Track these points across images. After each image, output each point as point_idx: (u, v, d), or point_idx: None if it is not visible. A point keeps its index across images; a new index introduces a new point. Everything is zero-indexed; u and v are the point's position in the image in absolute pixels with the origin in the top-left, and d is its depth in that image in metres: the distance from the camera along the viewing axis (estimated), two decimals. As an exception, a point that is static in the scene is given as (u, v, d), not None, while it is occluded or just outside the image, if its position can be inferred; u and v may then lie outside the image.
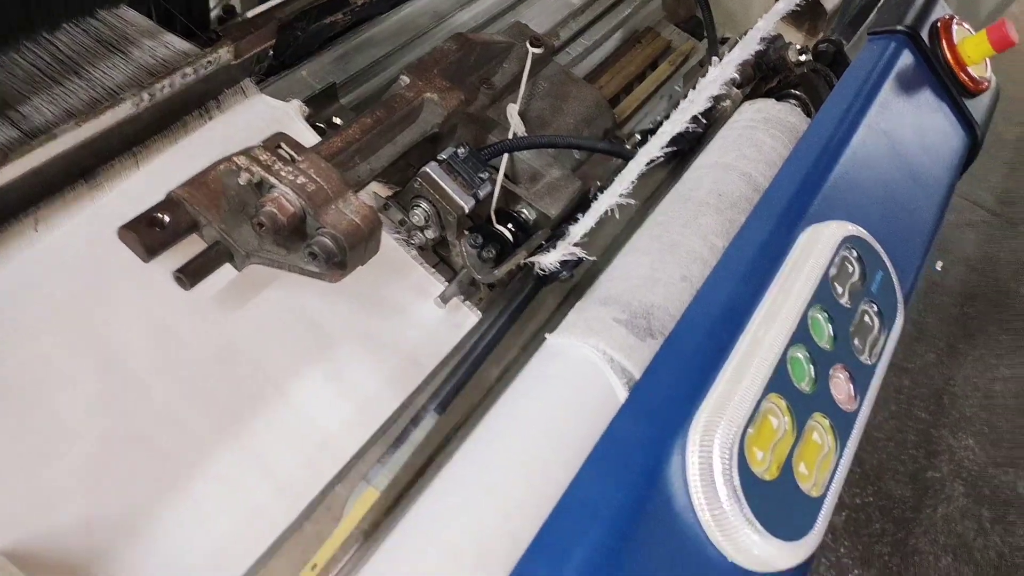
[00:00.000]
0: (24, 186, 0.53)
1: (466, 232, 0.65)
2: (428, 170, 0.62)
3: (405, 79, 0.68)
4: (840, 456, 0.56)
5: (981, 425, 1.57)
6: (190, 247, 0.55)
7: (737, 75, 0.89)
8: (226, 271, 0.57)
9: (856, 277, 0.66)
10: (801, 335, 0.58)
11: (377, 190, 0.69)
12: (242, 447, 0.54)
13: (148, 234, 0.52)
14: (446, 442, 0.57)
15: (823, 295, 0.62)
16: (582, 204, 0.69)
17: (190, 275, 0.53)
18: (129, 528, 0.50)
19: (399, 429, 0.58)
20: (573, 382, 0.57)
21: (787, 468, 0.53)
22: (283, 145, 0.55)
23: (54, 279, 0.54)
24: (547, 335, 0.61)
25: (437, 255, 0.71)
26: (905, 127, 0.88)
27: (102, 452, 0.50)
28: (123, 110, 0.57)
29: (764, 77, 0.99)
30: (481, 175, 0.63)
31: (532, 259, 0.65)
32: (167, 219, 0.53)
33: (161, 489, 0.51)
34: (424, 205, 0.63)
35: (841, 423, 0.57)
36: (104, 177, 0.59)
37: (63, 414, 0.50)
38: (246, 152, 0.54)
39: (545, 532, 0.48)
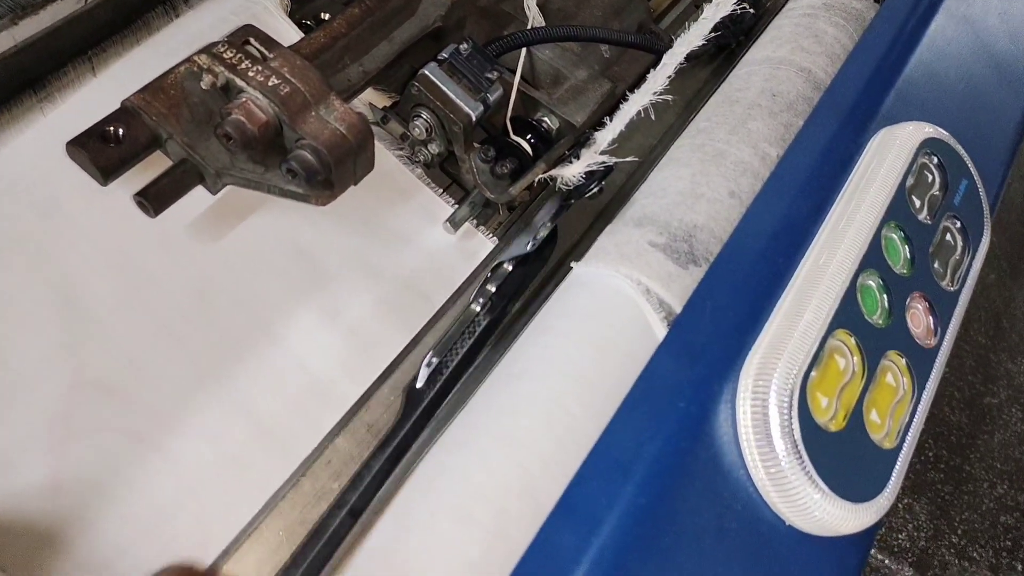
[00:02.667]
0: (-45, 99, 0.45)
1: (476, 145, 0.56)
2: (426, 72, 0.52)
3: (403, -36, 0.58)
4: (918, 401, 0.47)
5: (1041, 349, 1.47)
6: (154, 169, 0.47)
7: (791, -45, 0.76)
8: (202, 197, 0.49)
9: (936, 188, 0.56)
10: (873, 259, 0.49)
11: (374, 100, 0.60)
12: (226, 397, 0.48)
13: (100, 151, 0.44)
14: (458, 388, 0.50)
15: (899, 210, 0.52)
16: (612, 110, 0.59)
17: (153, 199, 0.45)
18: (102, 489, 0.44)
19: (404, 374, 0.51)
20: (603, 317, 0.49)
21: (856, 416, 0.45)
22: (252, 41, 0.46)
23: (1, 208, 0.47)
24: (573, 263, 0.52)
25: (447, 174, 0.62)
26: (989, 11, 0.75)
27: (65, 402, 0.44)
28: (67, 5, 0.48)
29: (822, -42, 0.86)
30: (489, 75, 0.53)
31: (553, 173, 0.56)
32: (122, 132, 0.45)
33: (135, 445, 0.45)
34: (425, 115, 0.54)
35: (919, 362, 0.48)
36: (55, 87, 0.51)
37: (18, 359, 0.44)
38: (208, 50, 0.45)
39: (571, 493, 0.41)
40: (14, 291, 0.45)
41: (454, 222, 0.57)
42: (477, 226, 0.59)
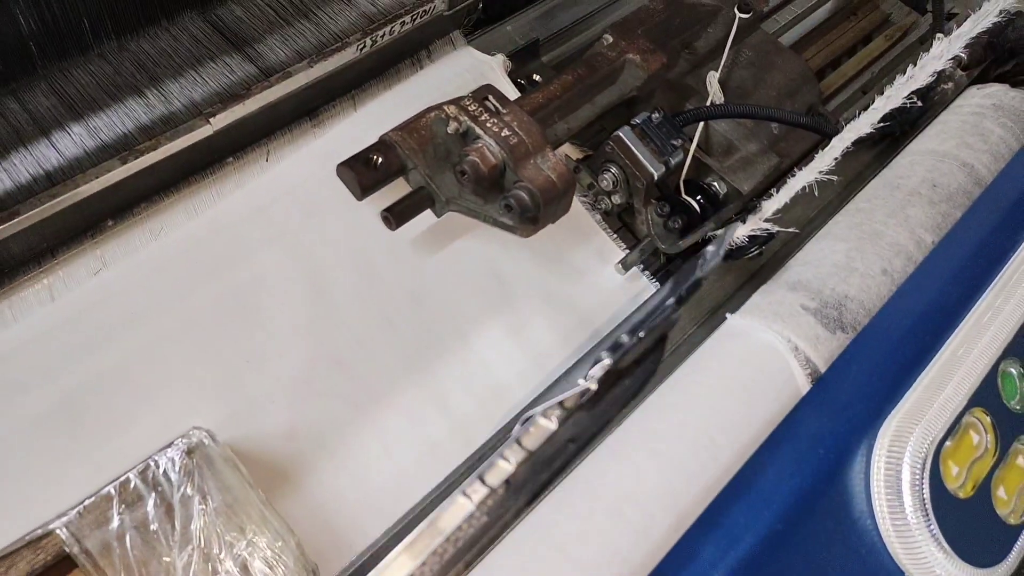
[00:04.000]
0: (260, 120, 0.58)
1: (653, 200, 0.64)
2: (621, 134, 0.61)
3: (608, 38, 0.67)
4: (1048, 487, 0.51)
5: None
6: (391, 192, 0.58)
7: (964, 55, 0.80)
8: (423, 219, 0.60)
9: (1090, 292, 0.59)
10: (1017, 349, 0.53)
11: (568, 152, 0.69)
12: (425, 384, 0.57)
13: (363, 173, 0.56)
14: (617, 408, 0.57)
15: (1048, 308, 0.56)
16: (776, 182, 0.66)
17: (396, 215, 0.56)
18: (324, 442, 0.54)
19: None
20: (752, 365, 0.56)
21: (984, 489, 0.49)
22: (490, 97, 0.56)
23: (278, 207, 0.59)
24: (728, 315, 0.59)
25: (620, 221, 0.70)
26: None
27: (306, 368, 0.55)
28: (348, 54, 0.60)
29: (997, 59, 0.89)
30: (674, 142, 0.62)
31: (719, 233, 0.63)
32: (380, 160, 0.56)
33: (354, 411, 0.55)
34: (614, 170, 0.63)
35: (1053, 451, 0.52)
36: (326, 116, 0.63)
37: (276, 325, 0.55)
38: (456, 102, 0.55)
39: (714, 509, 0.47)
40: (279, 270, 0.57)
41: (625, 264, 0.65)
42: (643, 270, 0.67)
